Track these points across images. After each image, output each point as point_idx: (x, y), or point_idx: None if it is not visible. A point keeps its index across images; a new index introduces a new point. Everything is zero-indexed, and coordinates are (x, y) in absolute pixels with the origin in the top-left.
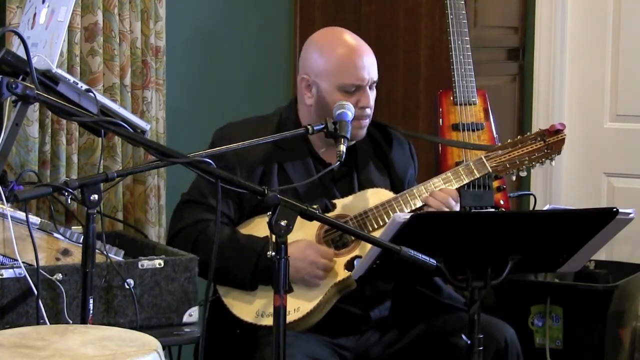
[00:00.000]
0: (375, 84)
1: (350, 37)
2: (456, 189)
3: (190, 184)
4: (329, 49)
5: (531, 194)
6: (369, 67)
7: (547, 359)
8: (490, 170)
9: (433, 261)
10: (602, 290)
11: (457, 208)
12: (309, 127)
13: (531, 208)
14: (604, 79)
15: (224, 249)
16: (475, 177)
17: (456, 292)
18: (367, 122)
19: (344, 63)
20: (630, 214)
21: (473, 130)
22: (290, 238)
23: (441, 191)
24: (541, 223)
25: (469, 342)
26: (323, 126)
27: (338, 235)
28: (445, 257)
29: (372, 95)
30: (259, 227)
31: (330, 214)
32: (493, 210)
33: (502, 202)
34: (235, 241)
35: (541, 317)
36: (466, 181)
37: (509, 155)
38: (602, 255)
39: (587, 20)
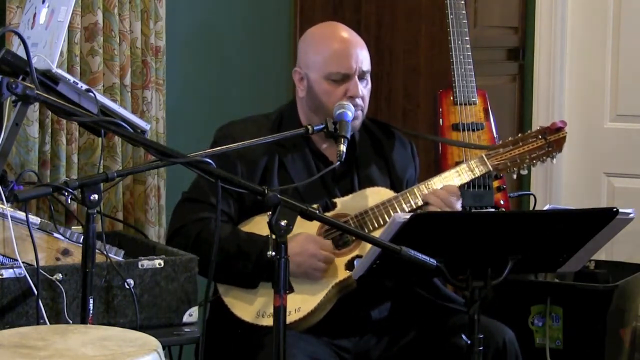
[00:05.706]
0: (366, 75)
1: (341, 30)
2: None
3: (191, 183)
4: (319, 41)
5: (531, 194)
6: (357, 56)
7: (547, 359)
8: (491, 169)
9: (433, 261)
10: (602, 290)
11: (459, 206)
12: (308, 127)
13: (531, 208)
14: (604, 79)
15: (225, 246)
16: (476, 175)
17: (456, 293)
18: (359, 113)
19: (330, 52)
20: (630, 214)
21: (473, 130)
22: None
23: (442, 189)
24: (541, 223)
25: (469, 342)
26: (323, 126)
27: (338, 234)
28: (445, 257)
29: (362, 86)
30: (260, 226)
31: (330, 213)
32: (493, 210)
33: (502, 202)
34: (236, 238)
35: (541, 317)
36: (467, 180)
37: (510, 154)
38: (602, 255)
39: (587, 20)
